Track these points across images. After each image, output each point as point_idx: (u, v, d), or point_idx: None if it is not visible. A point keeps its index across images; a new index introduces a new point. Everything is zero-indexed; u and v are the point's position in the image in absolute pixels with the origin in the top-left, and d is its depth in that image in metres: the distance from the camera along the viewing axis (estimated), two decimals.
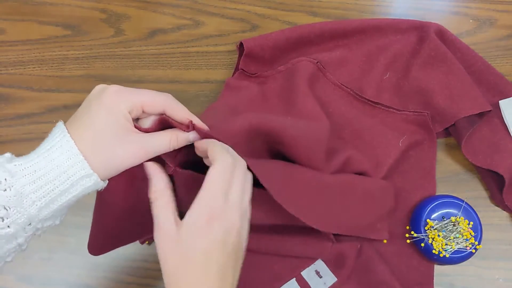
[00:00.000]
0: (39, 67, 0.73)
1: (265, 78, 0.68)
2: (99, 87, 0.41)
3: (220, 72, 0.71)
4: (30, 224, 0.37)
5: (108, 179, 0.41)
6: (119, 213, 0.46)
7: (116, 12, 0.76)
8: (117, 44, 0.74)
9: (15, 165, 0.36)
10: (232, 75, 0.68)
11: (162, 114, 0.42)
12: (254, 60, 0.68)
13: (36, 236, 0.39)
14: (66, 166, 0.37)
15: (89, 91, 0.74)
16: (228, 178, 0.39)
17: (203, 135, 0.43)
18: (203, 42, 0.73)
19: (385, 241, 0.58)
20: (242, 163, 0.41)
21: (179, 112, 0.42)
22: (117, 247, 0.53)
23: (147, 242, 0.62)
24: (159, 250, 0.39)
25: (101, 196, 0.45)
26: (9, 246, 0.37)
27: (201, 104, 0.69)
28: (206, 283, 0.38)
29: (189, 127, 0.42)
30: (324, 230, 0.52)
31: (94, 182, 0.38)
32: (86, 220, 0.62)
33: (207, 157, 0.41)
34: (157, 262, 0.60)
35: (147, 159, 0.40)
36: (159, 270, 0.60)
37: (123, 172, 0.41)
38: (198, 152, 0.43)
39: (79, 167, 0.37)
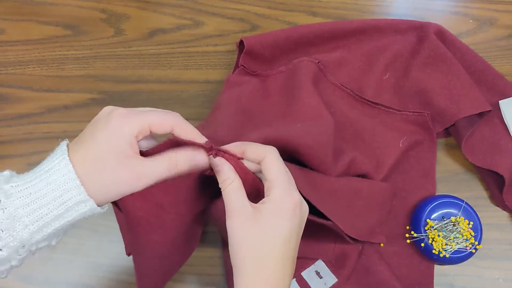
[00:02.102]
0: (39, 67, 0.73)
1: (265, 77, 0.68)
2: (107, 109, 0.39)
3: (220, 72, 0.71)
4: (23, 247, 0.36)
5: (132, 220, 0.41)
6: (160, 250, 0.46)
7: (116, 12, 0.76)
8: (117, 44, 0.74)
9: (12, 186, 0.35)
10: (232, 73, 0.68)
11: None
12: (254, 58, 0.68)
13: (31, 255, 0.39)
14: (62, 190, 0.36)
15: (89, 91, 0.75)
16: (283, 164, 0.40)
17: (222, 154, 0.41)
18: (203, 42, 0.73)
19: (382, 244, 0.59)
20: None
21: (188, 132, 0.40)
22: (168, 280, 0.53)
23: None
24: (234, 234, 0.38)
25: (136, 240, 0.44)
26: (3, 268, 0.37)
27: (201, 104, 0.69)
28: (284, 266, 0.39)
29: (210, 148, 0.40)
30: (343, 229, 0.53)
31: (90, 208, 0.37)
32: (86, 220, 0.62)
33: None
34: None
35: (146, 186, 0.38)
36: None
37: (149, 208, 0.41)
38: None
39: (76, 192, 0.36)
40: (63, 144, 0.38)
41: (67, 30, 0.75)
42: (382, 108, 0.65)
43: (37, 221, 0.36)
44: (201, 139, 0.40)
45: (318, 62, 0.66)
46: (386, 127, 0.64)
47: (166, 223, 0.44)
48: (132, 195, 0.39)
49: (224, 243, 0.59)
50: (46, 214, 0.36)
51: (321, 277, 0.56)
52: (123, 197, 0.39)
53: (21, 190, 0.35)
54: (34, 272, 0.61)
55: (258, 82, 0.67)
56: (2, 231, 0.35)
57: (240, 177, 0.40)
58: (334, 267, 0.57)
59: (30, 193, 0.35)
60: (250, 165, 0.42)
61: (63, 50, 0.74)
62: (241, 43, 0.67)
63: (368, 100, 0.65)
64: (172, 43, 0.73)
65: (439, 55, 0.65)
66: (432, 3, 0.75)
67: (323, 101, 0.63)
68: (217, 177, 0.40)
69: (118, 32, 0.75)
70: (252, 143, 0.42)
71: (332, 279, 0.56)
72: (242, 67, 0.67)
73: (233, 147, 0.41)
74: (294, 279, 0.57)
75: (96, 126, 0.38)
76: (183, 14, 0.76)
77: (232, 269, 0.56)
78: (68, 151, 0.37)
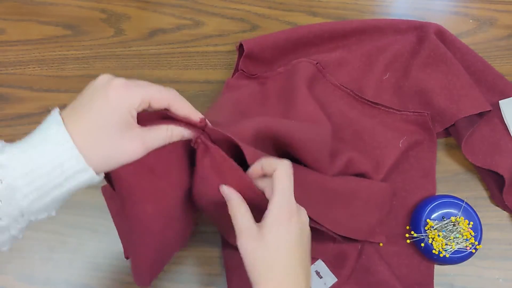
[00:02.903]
0: (39, 67, 0.73)
1: (265, 79, 0.68)
2: (104, 78, 0.39)
3: (220, 72, 0.71)
4: (23, 216, 0.36)
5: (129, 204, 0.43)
6: (152, 224, 0.46)
7: (116, 12, 0.76)
8: (117, 44, 0.74)
9: (7, 157, 0.35)
10: (232, 76, 0.68)
11: (166, 110, 0.42)
12: (254, 60, 0.67)
13: (31, 224, 0.39)
14: (61, 160, 0.36)
15: None
16: (291, 181, 0.43)
17: (214, 133, 0.43)
18: (203, 42, 0.73)
19: (381, 244, 0.59)
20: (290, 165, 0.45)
21: (184, 107, 0.42)
22: (163, 268, 0.53)
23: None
24: (244, 252, 0.41)
25: (129, 213, 0.44)
26: (3, 238, 0.37)
27: (201, 104, 0.68)
28: (295, 272, 0.41)
29: (202, 123, 0.42)
30: (334, 231, 0.54)
31: (89, 176, 0.37)
32: (86, 220, 0.63)
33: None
34: None
35: (145, 153, 0.40)
36: None
37: (141, 173, 0.41)
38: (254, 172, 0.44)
39: (75, 161, 0.36)
40: (56, 114, 0.38)
41: (67, 30, 0.75)
42: (382, 108, 0.65)
43: (36, 190, 0.36)
44: (196, 115, 0.42)
45: (317, 63, 0.66)
46: (386, 127, 0.64)
47: (157, 192, 0.44)
48: None
49: (223, 243, 0.59)
50: (46, 184, 0.36)
51: (321, 277, 0.56)
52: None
53: (17, 160, 0.35)
54: (34, 272, 0.61)
55: (257, 86, 0.67)
56: (1, 201, 0.35)
57: (244, 194, 0.43)
58: (334, 267, 0.57)
59: (27, 163, 0.35)
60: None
61: (63, 50, 0.74)
62: (240, 46, 0.67)
63: (368, 100, 0.65)
64: (172, 43, 0.73)
65: (439, 55, 0.65)
66: (432, 3, 0.75)
67: (320, 105, 0.63)
68: (228, 204, 0.43)
69: (118, 32, 0.75)
70: (267, 157, 0.44)
71: (332, 279, 0.56)
72: (241, 71, 0.67)
73: (254, 168, 0.44)
74: None
75: (94, 96, 0.38)
76: (183, 14, 0.76)
77: (231, 268, 0.57)
78: (63, 121, 0.37)
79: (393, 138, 0.63)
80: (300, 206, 0.44)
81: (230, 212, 0.43)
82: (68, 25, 0.75)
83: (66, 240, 0.62)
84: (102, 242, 0.61)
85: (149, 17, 0.76)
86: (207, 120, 0.43)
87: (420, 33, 0.68)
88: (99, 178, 0.39)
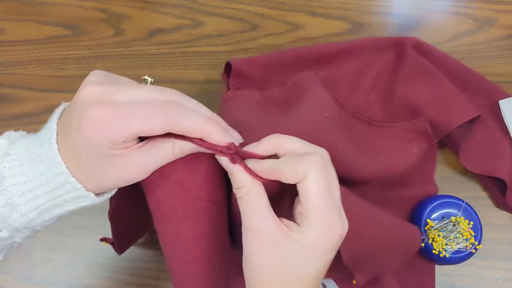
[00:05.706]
0: (39, 67, 0.73)
1: (264, 92, 0.66)
2: (86, 96, 0.31)
3: (220, 72, 0.71)
4: (26, 227, 0.35)
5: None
6: (198, 265, 0.38)
7: (116, 12, 0.76)
8: (117, 44, 0.74)
9: (6, 167, 0.33)
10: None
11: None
12: (244, 78, 0.65)
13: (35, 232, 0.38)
14: (57, 183, 0.33)
15: None
16: (328, 184, 0.32)
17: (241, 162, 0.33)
18: (203, 42, 0.73)
19: (354, 281, 0.51)
20: (326, 155, 0.33)
21: (190, 122, 0.32)
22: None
23: (104, 242, 0.58)
24: (251, 253, 0.32)
25: (169, 254, 0.38)
26: (6, 242, 0.36)
27: None
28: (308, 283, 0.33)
29: (231, 149, 0.32)
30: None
31: (91, 201, 0.35)
32: (86, 220, 0.63)
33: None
34: (157, 262, 0.60)
35: (149, 174, 0.34)
36: (159, 270, 0.60)
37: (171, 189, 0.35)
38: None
39: (71, 187, 0.33)
40: (54, 121, 0.34)
41: (67, 30, 0.75)
42: (378, 123, 0.64)
43: (35, 209, 0.34)
44: (216, 120, 0.33)
45: (316, 73, 0.65)
46: (389, 139, 0.63)
47: (192, 208, 0.36)
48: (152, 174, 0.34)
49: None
50: (45, 203, 0.34)
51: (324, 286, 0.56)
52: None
53: (15, 174, 0.33)
54: (34, 272, 0.61)
55: (256, 93, 0.65)
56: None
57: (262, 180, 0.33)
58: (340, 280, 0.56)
59: (25, 182, 0.33)
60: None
61: (63, 50, 0.74)
62: (227, 65, 0.65)
63: (363, 118, 0.64)
64: (172, 43, 0.73)
65: (420, 68, 0.64)
66: (432, 3, 0.75)
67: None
68: (231, 181, 0.34)
69: (118, 32, 0.75)
70: (291, 146, 0.33)
71: (333, 286, 0.56)
72: (234, 87, 0.64)
73: (262, 147, 0.34)
74: None
75: (73, 122, 0.32)
76: (183, 14, 0.76)
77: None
78: (57, 136, 0.33)
79: (403, 145, 0.62)
80: (341, 211, 0.33)
81: (235, 192, 0.33)
82: (68, 25, 0.75)
83: (66, 240, 0.62)
84: (102, 242, 0.61)
85: (149, 17, 0.76)
86: (238, 148, 0.33)
87: (398, 49, 0.67)
88: (103, 199, 0.36)
